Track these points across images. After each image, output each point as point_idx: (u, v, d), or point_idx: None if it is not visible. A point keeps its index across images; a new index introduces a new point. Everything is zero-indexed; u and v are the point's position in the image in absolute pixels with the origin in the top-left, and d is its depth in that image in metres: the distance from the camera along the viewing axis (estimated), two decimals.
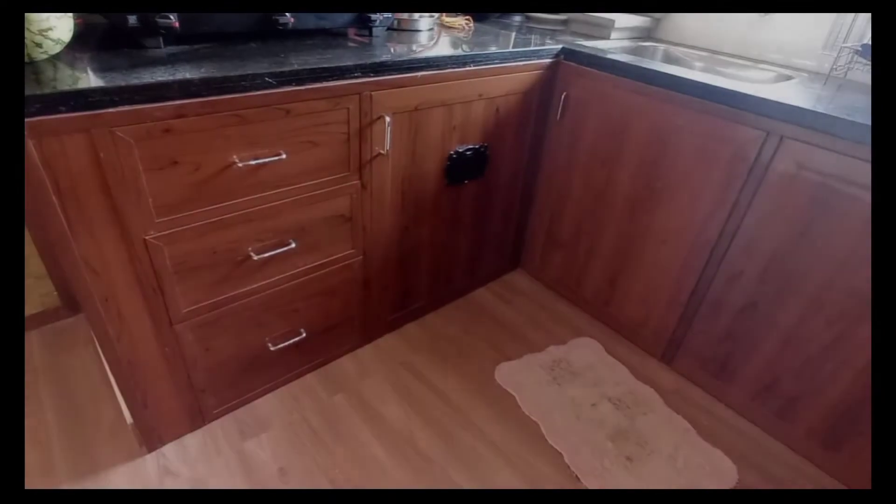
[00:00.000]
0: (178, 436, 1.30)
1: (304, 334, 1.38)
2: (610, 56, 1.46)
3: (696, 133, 1.32)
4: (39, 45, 0.90)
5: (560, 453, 1.34)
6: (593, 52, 1.50)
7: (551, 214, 1.81)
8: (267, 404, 1.41)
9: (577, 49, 1.53)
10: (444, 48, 1.34)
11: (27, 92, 0.78)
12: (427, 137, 1.37)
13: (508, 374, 1.58)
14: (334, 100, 1.12)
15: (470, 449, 1.34)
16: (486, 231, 1.76)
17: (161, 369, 1.16)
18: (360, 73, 1.13)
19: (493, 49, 1.39)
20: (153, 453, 1.27)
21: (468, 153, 1.49)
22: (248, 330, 1.27)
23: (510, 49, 1.42)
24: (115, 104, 0.85)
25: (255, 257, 1.16)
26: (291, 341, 1.36)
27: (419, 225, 1.51)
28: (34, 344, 1.55)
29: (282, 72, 1.02)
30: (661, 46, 1.81)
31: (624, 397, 1.53)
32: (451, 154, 1.45)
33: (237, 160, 1.04)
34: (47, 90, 0.79)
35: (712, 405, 1.52)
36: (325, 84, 1.09)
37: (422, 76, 1.25)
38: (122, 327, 1.05)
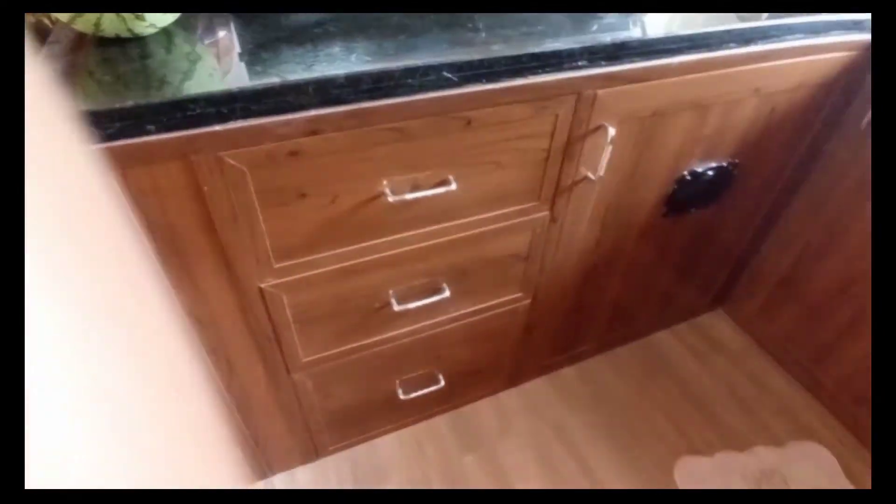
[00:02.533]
0: (289, 467, 1.14)
1: (442, 383, 1.09)
2: None
3: None
4: (142, 18, 0.62)
5: None
6: None
7: (801, 257, 1.26)
8: (387, 447, 1.19)
9: None
10: (712, 18, 0.84)
11: (111, 100, 0.51)
12: (658, 153, 0.91)
13: (693, 477, 1.16)
14: (540, 103, 0.72)
15: None
16: (694, 267, 1.28)
17: (274, 414, 0.96)
18: (585, 61, 0.71)
19: (790, 18, 0.85)
20: (263, 482, 1.12)
21: (708, 174, 1.01)
22: (377, 378, 1.02)
23: (822, 18, 0.86)
24: (222, 118, 0.56)
25: (397, 308, 0.86)
26: (426, 391, 1.09)
27: (612, 264, 1.09)
28: None
29: (469, 62, 0.64)
30: None
31: None
32: (684, 175, 0.99)
33: (388, 191, 0.71)
34: (130, 100, 0.52)
35: None
36: (530, 80, 0.69)
37: (679, 64, 0.78)
38: (232, 377, 0.84)
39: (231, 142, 0.58)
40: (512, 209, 0.85)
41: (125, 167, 0.56)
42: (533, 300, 1.05)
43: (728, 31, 0.79)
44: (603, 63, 0.72)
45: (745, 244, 1.30)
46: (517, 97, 0.70)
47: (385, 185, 0.71)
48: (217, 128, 0.56)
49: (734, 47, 0.81)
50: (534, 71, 0.68)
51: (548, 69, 0.69)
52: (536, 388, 1.32)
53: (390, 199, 0.71)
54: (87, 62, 0.61)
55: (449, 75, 0.63)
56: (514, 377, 1.27)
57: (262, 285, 0.74)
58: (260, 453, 1.04)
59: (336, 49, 0.65)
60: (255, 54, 0.64)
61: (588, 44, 0.70)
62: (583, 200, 0.90)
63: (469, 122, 0.70)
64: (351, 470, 1.14)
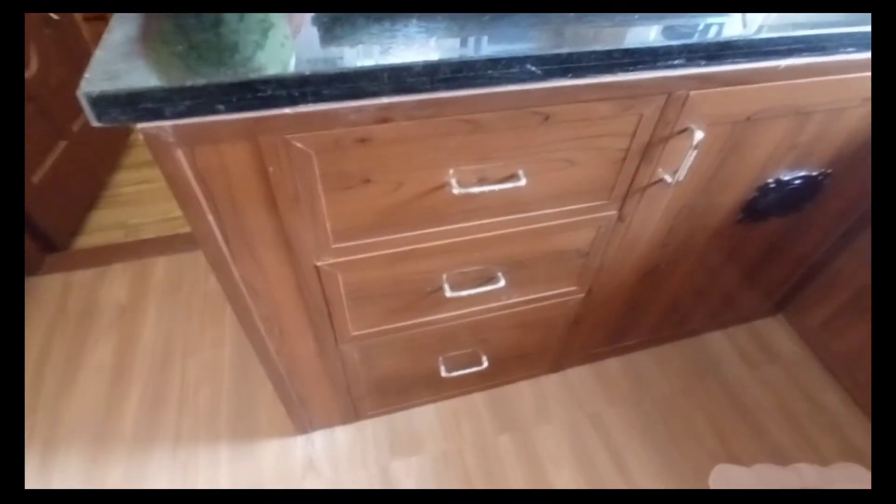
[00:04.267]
0: (329, 425, 1.19)
1: (484, 365, 1.10)
2: None
3: None
4: None
5: None
6: None
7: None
8: (425, 418, 1.21)
9: None
10: (815, 18, 0.74)
11: (183, 75, 0.50)
12: (744, 159, 0.84)
13: (729, 485, 1.14)
14: (626, 101, 0.67)
15: None
16: (761, 272, 1.21)
17: (319, 378, 0.99)
18: (683, 60, 0.64)
19: None
20: (303, 437, 1.18)
21: (795, 182, 0.93)
22: (421, 355, 1.03)
23: None
24: (293, 101, 0.54)
25: (449, 294, 0.85)
26: (469, 371, 1.09)
27: (675, 264, 1.04)
28: None
29: (556, 56, 0.59)
30: None
31: None
32: (768, 183, 0.91)
33: (454, 183, 0.68)
34: (202, 78, 0.50)
35: None
36: (619, 77, 0.64)
37: (786, 67, 0.70)
38: (283, 343, 0.87)
39: (300, 125, 0.57)
40: (578, 206, 0.80)
41: (194, 144, 0.55)
42: (587, 294, 1.02)
43: (849, 35, 0.70)
44: (702, 63, 0.65)
45: (821, 254, 1.21)
46: (603, 94, 0.65)
47: (451, 176, 0.68)
48: (287, 111, 0.55)
49: (852, 52, 0.71)
50: (625, 68, 0.62)
51: (640, 66, 0.63)
52: (578, 375, 1.30)
53: (455, 191, 0.68)
54: (161, 27, 0.59)
55: (533, 68, 0.59)
56: (557, 363, 1.26)
57: (319, 264, 0.74)
58: (303, 411, 1.08)
59: (414, 29, 0.61)
60: (329, 29, 0.61)
61: (688, 40, 0.63)
62: (655, 202, 0.85)
63: (547, 118, 0.65)
64: (387, 436, 1.18)
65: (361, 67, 0.54)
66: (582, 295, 1.01)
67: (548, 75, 0.60)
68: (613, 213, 0.84)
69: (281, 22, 0.62)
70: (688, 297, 1.17)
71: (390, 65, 0.54)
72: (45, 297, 1.44)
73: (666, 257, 1.00)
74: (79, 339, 1.35)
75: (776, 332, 1.42)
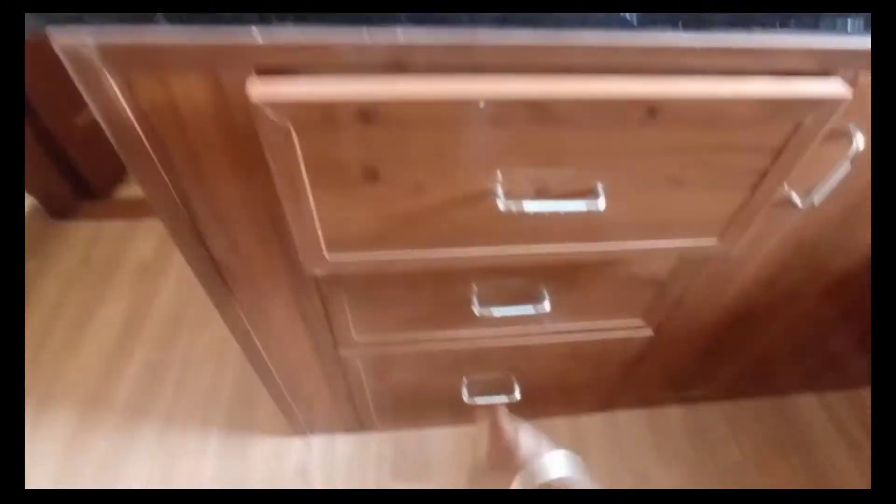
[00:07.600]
0: (330, 432, 1.05)
1: (517, 397, 0.91)
2: None
3: None
4: None
5: None
6: None
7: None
8: (439, 441, 1.05)
9: None
10: None
11: None
12: None
13: None
14: (771, 106, 0.45)
15: None
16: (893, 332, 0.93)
17: (319, 384, 0.85)
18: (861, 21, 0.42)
19: None
20: (302, 440, 1.05)
21: None
22: (440, 374, 0.86)
23: None
24: (263, 19, 0.37)
25: (478, 311, 0.67)
26: (496, 399, 0.91)
27: (777, 311, 0.80)
28: None
29: None
30: None
31: None
32: None
33: (500, 192, 0.49)
34: None
35: None
36: (754, 39, 0.42)
37: None
38: (270, 337, 0.72)
39: (277, 61, 0.40)
40: (671, 241, 0.58)
41: (128, 70, 0.40)
42: (655, 332, 0.80)
43: None
44: None
45: None
46: (725, 65, 0.43)
47: (497, 181, 0.49)
48: (255, 32, 0.38)
49: None
50: (768, 25, 0.41)
51: (793, 26, 0.41)
52: (629, 420, 1.09)
53: (502, 206, 0.48)
54: None
55: (629, 18, 0.39)
56: (606, 402, 1.05)
57: (314, 270, 0.57)
58: (300, 413, 0.94)
59: None
60: None
61: None
62: (769, 228, 0.62)
63: (653, 112, 0.44)
64: (393, 455, 1.03)
65: None
66: (649, 332, 0.80)
67: (646, 24, 0.40)
68: (713, 241, 0.62)
69: None
70: (785, 352, 0.93)
71: None
72: (72, 243, 1.39)
73: (768, 301, 0.77)
74: (95, 293, 1.29)
75: None
